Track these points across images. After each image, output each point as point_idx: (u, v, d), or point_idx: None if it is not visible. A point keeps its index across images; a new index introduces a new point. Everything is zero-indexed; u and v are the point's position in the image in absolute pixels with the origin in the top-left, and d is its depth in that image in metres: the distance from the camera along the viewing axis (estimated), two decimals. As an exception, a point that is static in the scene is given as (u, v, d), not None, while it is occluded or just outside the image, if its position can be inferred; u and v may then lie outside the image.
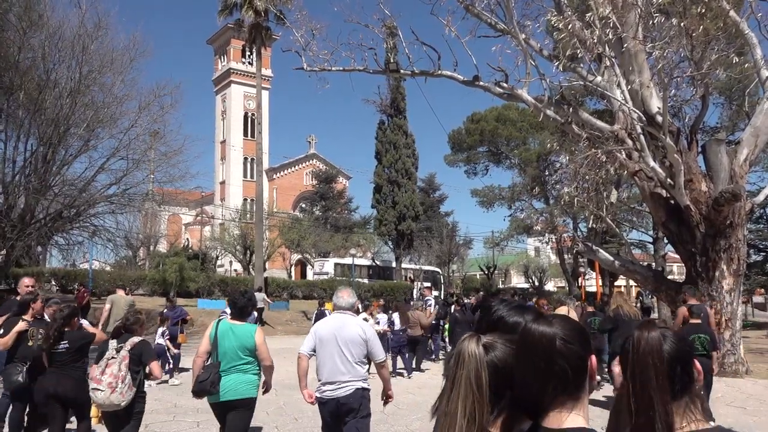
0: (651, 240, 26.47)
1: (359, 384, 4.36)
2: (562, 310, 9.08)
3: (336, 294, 4.64)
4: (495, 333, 1.46)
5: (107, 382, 4.55)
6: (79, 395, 5.01)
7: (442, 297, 22.92)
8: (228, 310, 5.94)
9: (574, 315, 9.29)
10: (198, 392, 4.52)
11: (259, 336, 4.66)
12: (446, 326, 14.49)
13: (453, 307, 13.54)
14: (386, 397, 4.77)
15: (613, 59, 11.85)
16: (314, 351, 4.47)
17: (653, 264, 23.27)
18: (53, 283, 26.40)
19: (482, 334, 1.42)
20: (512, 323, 1.58)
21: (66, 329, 5.10)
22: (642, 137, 11.73)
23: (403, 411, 7.96)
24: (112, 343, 4.88)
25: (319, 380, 4.42)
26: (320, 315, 15.15)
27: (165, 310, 11.27)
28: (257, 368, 4.68)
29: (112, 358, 4.70)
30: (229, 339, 4.57)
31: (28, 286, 6.97)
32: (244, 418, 4.58)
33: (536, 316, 1.43)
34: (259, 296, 23.94)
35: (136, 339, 4.84)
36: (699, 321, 7.68)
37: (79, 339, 5.19)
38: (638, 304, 19.28)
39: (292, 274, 45.05)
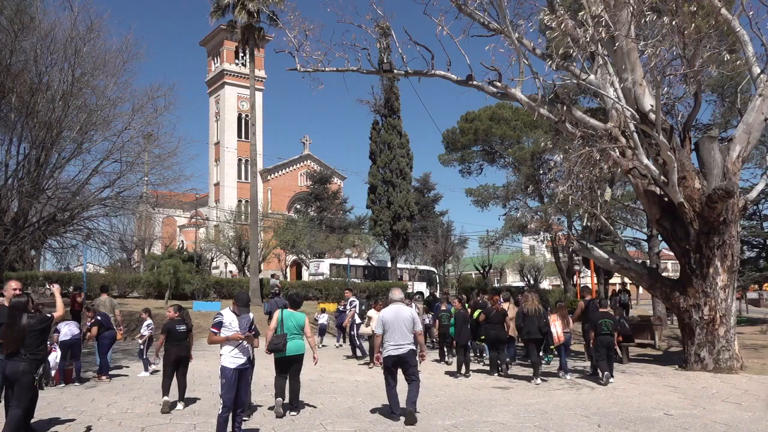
0: (645, 237, 26.51)
1: (411, 346, 7.37)
2: (505, 305, 12.66)
3: (391, 292, 7.89)
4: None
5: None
6: (188, 356, 8.46)
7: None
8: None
9: (512, 309, 12.78)
10: (274, 350, 7.58)
11: (306, 319, 8.00)
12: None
13: (452, 304, 13.57)
14: (420, 357, 7.61)
15: (606, 57, 11.90)
16: (384, 331, 7.35)
17: (648, 261, 23.35)
18: (47, 286, 26.20)
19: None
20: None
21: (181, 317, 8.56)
22: (635, 135, 11.77)
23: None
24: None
25: (387, 343, 7.32)
26: (338, 313, 17.37)
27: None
28: (303, 337, 7.83)
29: None
30: (290, 320, 7.76)
31: (15, 290, 7.02)
32: (299, 366, 7.86)
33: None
34: (274, 282, 24.81)
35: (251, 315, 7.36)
36: (606, 310, 10.94)
37: (191, 323, 8.63)
38: (618, 302, 19.69)
39: (288, 275, 44.99)
